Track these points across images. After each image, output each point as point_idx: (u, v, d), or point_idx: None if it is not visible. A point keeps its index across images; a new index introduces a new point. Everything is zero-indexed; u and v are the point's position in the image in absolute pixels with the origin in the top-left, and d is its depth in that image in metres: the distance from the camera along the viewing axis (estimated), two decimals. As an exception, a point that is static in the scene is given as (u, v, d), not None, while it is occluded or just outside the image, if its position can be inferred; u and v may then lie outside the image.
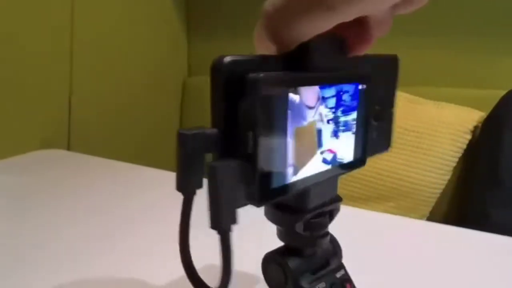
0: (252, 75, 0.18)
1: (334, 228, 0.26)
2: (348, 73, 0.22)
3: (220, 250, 0.19)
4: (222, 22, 1.33)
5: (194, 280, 0.20)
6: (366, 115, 0.23)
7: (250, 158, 0.18)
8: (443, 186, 1.01)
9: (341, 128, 0.22)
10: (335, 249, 0.26)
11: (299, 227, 0.23)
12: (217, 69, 0.18)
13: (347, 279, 0.26)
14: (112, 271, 0.40)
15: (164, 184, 0.64)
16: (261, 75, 0.17)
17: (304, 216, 0.23)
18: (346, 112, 0.22)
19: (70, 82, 0.91)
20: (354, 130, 0.23)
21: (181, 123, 1.33)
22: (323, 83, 0.20)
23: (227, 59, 0.18)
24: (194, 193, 0.20)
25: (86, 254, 0.43)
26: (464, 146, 1.00)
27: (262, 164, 0.18)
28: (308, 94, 0.19)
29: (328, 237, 0.26)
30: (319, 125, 0.21)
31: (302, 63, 0.20)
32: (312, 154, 0.21)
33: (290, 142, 0.19)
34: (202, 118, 1.18)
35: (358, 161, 0.24)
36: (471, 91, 1.05)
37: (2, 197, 0.62)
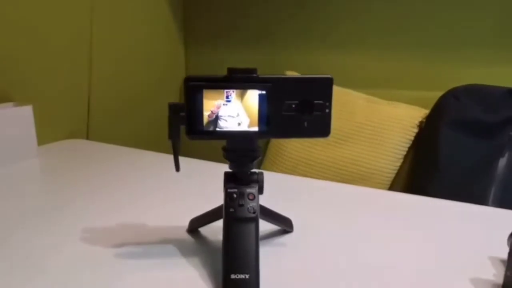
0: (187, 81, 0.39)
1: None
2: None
3: (173, 150, 0.43)
4: (217, 32, 1.49)
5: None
6: (272, 107, 0.40)
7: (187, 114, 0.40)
8: (395, 171, 1.21)
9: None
10: (259, 181, 0.44)
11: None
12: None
13: (252, 193, 0.42)
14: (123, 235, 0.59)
15: (163, 166, 0.83)
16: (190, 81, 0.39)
17: (227, 152, 0.43)
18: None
19: (89, 84, 1.10)
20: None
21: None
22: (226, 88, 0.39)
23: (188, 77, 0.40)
24: (178, 140, 0.43)
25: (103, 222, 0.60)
26: (412, 138, 1.20)
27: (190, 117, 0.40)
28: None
29: (255, 175, 0.44)
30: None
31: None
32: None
33: (205, 114, 0.40)
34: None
35: (261, 132, 0.40)
36: (418, 93, 1.25)
37: (39, 175, 0.82)
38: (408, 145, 1.20)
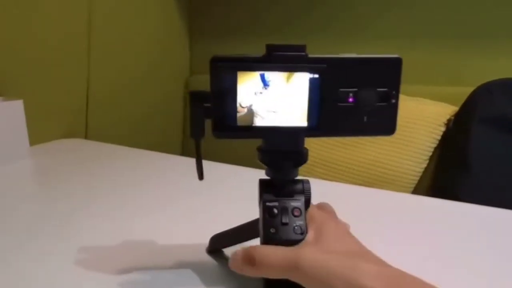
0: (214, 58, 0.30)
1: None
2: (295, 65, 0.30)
3: (195, 152, 0.33)
4: (221, 25, 1.43)
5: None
6: (325, 97, 0.30)
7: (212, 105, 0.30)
8: (420, 173, 1.12)
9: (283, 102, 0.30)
10: (304, 192, 0.34)
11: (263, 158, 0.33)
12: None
13: (298, 207, 0.33)
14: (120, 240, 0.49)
15: (176, 171, 0.74)
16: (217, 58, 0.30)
17: (264, 154, 0.33)
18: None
19: (87, 78, 1.01)
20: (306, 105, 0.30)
21: (184, 116, 1.43)
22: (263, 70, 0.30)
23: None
24: (201, 138, 0.33)
25: (99, 225, 0.51)
26: (439, 137, 1.11)
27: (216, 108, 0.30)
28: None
29: (301, 183, 0.34)
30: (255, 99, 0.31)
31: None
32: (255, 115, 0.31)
33: (239, 104, 0.30)
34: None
35: (311, 128, 0.31)
36: (446, 88, 1.16)
37: (31, 177, 0.72)
38: (435, 145, 1.11)
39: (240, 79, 0.30)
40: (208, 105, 0.30)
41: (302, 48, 0.30)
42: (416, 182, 1.12)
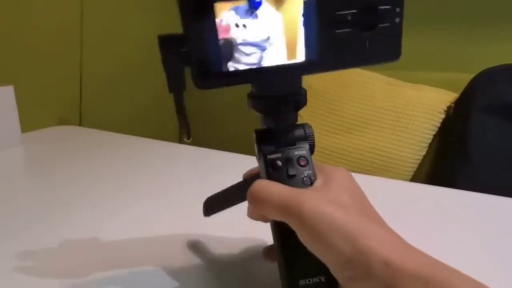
0: None
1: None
2: None
3: (176, 107, 0.28)
4: None
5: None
6: (322, 23, 0.26)
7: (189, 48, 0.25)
8: (419, 161, 1.10)
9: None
10: (307, 137, 0.30)
11: (261, 104, 0.29)
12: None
13: (303, 156, 0.29)
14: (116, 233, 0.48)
15: (164, 154, 0.73)
16: None
17: (257, 100, 0.29)
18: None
19: (80, 62, 0.99)
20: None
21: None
22: None
23: None
24: (182, 90, 0.28)
25: (95, 215, 0.49)
26: (439, 125, 1.09)
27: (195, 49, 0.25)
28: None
29: (302, 128, 0.30)
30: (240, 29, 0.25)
31: None
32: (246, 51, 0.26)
33: (221, 43, 0.25)
34: (200, 101, 1.26)
35: (309, 63, 0.27)
36: (445, 74, 1.14)
37: (21, 165, 0.71)
38: (434, 132, 1.09)
39: (218, 10, 0.25)
40: (184, 50, 0.25)
41: None
42: (414, 169, 1.11)
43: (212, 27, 0.25)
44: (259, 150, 0.30)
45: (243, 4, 0.25)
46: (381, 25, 0.27)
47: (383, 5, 0.26)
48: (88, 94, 1.00)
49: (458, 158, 1.02)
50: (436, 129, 1.09)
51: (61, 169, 0.65)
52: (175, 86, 0.28)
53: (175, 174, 0.63)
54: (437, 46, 1.17)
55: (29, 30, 0.86)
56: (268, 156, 0.29)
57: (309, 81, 1.17)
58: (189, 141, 0.31)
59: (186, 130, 0.31)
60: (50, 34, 0.90)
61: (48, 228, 0.45)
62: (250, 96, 0.30)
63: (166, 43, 0.27)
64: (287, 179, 0.28)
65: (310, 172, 0.29)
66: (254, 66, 0.26)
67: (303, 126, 0.30)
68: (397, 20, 0.27)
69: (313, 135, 0.30)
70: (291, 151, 0.29)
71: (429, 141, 1.09)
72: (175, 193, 0.55)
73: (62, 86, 0.95)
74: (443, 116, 1.09)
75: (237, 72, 0.26)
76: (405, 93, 1.10)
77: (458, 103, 1.07)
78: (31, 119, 0.82)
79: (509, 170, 0.96)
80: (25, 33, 0.85)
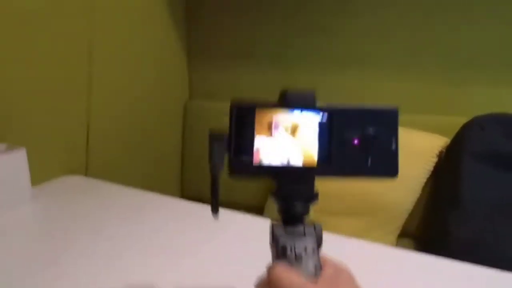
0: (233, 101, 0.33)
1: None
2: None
3: (211, 187, 0.35)
4: (220, 50, 1.44)
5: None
6: (332, 139, 0.34)
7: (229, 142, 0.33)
8: (412, 204, 1.13)
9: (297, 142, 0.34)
10: (316, 230, 0.35)
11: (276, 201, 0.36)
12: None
13: (311, 246, 0.34)
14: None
15: (167, 210, 0.77)
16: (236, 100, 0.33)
17: (277, 194, 0.35)
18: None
19: (88, 116, 1.04)
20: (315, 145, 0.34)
21: (183, 140, 1.46)
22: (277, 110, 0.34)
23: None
24: (218, 172, 0.35)
25: (104, 268, 0.54)
26: (431, 168, 1.12)
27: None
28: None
29: (312, 226, 0.36)
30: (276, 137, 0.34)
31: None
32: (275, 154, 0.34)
33: (255, 141, 0.33)
34: (202, 135, 1.31)
35: (320, 169, 0.35)
36: (437, 118, 1.17)
37: (32, 223, 0.76)
38: (427, 176, 1.13)
39: (256, 122, 0.34)
40: (226, 145, 0.34)
41: (312, 93, 0.34)
42: (407, 212, 1.14)
43: (251, 132, 0.34)
44: (272, 236, 0.35)
45: (275, 121, 0.34)
46: (380, 148, 0.35)
47: (382, 134, 0.35)
48: (93, 142, 1.05)
49: (450, 203, 1.05)
50: (429, 173, 1.12)
51: (68, 224, 0.70)
52: (216, 166, 0.35)
53: (179, 231, 0.67)
54: (429, 89, 1.21)
55: (37, 84, 0.90)
56: (280, 243, 0.34)
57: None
58: (216, 218, 0.36)
59: (215, 208, 0.36)
60: (57, 85, 0.95)
61: (53, 281, 0.49)
62: (271, 190, 0.36)
63: (214, 137, 0.34)
64: (295, 263, 0.33)
65: (316, 262, 0.34)
66: (277, 165, 0.34)
67: (314, 223, 0.36)
68: (393, 146, 0.35)
69: (321, 230, 0.36)
70: (301, 240, 0.34)
71: (422, 184, 1.13)
72: (179, 250, 0.59)
73: (69, 137, 1.00)
74: (435, 160, 1.12)
75: (262, 168, 0.34)
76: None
77: (449, 149, 1.10)
78: (39, 169, 0.87)
79: (499, 216, 0.99)
80: (33, 84, 0.89)
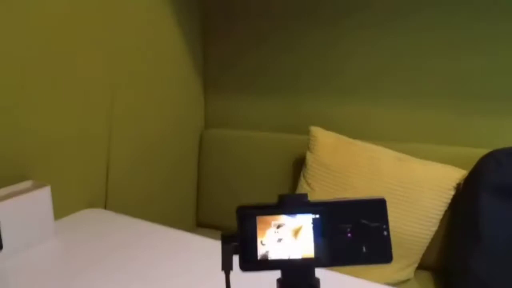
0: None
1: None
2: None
3: (226, 283, 0.40)
4: (235, 80, 1.48)
5: None
6: (326, 232, 0.38)
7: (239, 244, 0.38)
8: (430, 237, 1.12)
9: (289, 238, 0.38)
10: None
11: None
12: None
13: None
14: None
15: (182, 246, 0.78)
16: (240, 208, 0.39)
17: (281, 283, 0.38)
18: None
19: (108, 151, 1.08)
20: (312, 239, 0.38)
21: (199, 168, 1.48)
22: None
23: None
24: (228, 272, 0.40)
25: None
26: (449, 201, 1.11)
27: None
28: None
29: None
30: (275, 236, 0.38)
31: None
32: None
33: (259, 242, 0.38)
34: (218, 164, 1.34)
35: (318, 260, 0.38)
36: (454, 149, 1.16)
37: (56, 259, 0.78)
38: (444, 209, 1.11)
39: (259, 223, 0.38)
40: (236, 243, 0.38)
41: (305, 196, 0.39)
42: (427, 244, 1.12)
43: (254, 233, 0.38)
44: None
45: (274, 227, 0.38)
46: (373, 236, 0.38)
47: (373, 223, 0.38)
48: (113, 176, 1.08)
49: (469, 237, 1.03)
50: (447, 206, 1.11)
51: (90, 258, 0.74)
52: (226, 266, 0.40)
53: (195, 267, 0.69)
54: (447, 120, 1.21)
55: (62, 123, 0.94)
56: None
57: (324, 160, 1.22)
58: None
59: None
60: (80, 126, 0.99)
61: None
62: (278, 280, 0.39)
63: (225, 238, 0.39)
64: None
65: None
66: (279, 258, 0.38)
67: None
68: (385, 233, 0.38)
69: None
70: None
71: (440, 217, 1.11)
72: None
73: (90, 172, 1.03)
74: (452, 192, 1.11)
75: (267, 262, 0.38)
76: (415, 170, 1.13)
77: (467, 182, 1.09)
78: (61, 204, 0.90)
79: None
80: (57, 126, 0.93)
